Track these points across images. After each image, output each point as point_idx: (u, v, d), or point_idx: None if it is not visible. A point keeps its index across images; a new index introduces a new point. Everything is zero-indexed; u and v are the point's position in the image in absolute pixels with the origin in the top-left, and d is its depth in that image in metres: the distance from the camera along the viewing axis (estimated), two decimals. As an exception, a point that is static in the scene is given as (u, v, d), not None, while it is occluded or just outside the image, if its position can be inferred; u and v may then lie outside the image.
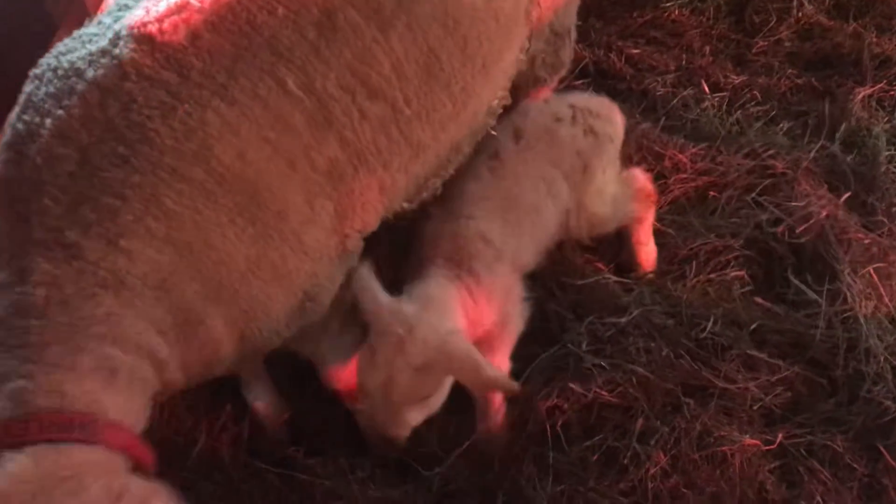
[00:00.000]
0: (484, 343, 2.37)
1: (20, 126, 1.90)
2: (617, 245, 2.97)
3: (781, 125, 3.46)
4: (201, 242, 1.87)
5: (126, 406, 1.85)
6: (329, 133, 1.99)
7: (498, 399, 2.45)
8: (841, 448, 2.44)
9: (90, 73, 1.85)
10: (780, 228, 2.99)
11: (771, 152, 3.25)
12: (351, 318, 2.32)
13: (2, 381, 1.74)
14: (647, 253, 2.92)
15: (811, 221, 2.95)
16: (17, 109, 1.95)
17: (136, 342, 1.86)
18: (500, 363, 2.42)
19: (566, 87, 3.57)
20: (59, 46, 2.01)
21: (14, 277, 1.80)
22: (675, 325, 2.62)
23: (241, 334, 2.03)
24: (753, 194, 3.12)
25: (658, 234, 2.98)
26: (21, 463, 1.64)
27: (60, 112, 1.84)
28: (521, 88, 2.77)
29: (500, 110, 2.58)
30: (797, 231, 2.96)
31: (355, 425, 2.42)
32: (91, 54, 1.89)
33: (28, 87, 1.97)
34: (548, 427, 2.38)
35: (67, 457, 1.69)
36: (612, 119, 2.80)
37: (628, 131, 2.96)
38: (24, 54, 2.19)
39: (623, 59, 3.76)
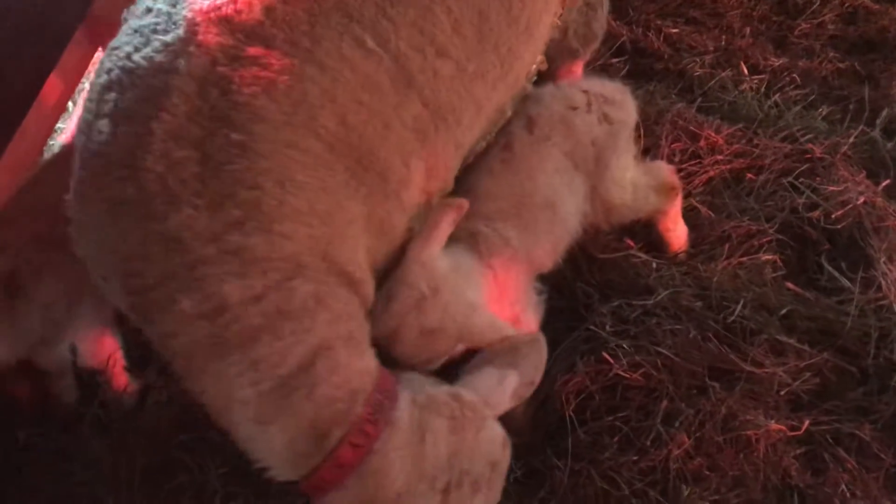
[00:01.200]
0: None
1: (116, 140, 1.80)
2: (649, 224, 2.92)
3: (821, 109, 3.39)
4: (336, 208, 1.89)
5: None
6: (411, 91, 2.01)
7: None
8: (868, 437, 2.42)
9: (181, 65, 1.79)
10: (815, 213, 2.95)
11: (809, 136, 3.20)
12: None
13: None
14: (677, 236, 2.88)
15: (848, 207, 2.90)
16: (100, 124, 1.83)
17: (354, 314, 1.91)
18: None
19: (602, 64, 3.54)
20: (118, 45, 1.91)
21: (208, 305, 1.76)
22: (703, 308, 2.60)
23: None
24: (790, 178, 3.07)
25: (691, 215, 2.95)
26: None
27: (163, 113, 1.76)
28: (554, 60, 2.76)
29: (536, 77, 2.60)
30: (833, 217, 2.91)
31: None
32: (168, 46, 1.82)
33: (107, 96, 1.85)
34: (568, 405, 2.38)
35: None
36: (626, 105, 2.72)
37: (663, 111, 2.93)
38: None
39: (661, 38, 3.71)
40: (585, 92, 2.67)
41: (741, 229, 2.92)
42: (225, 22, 1.83)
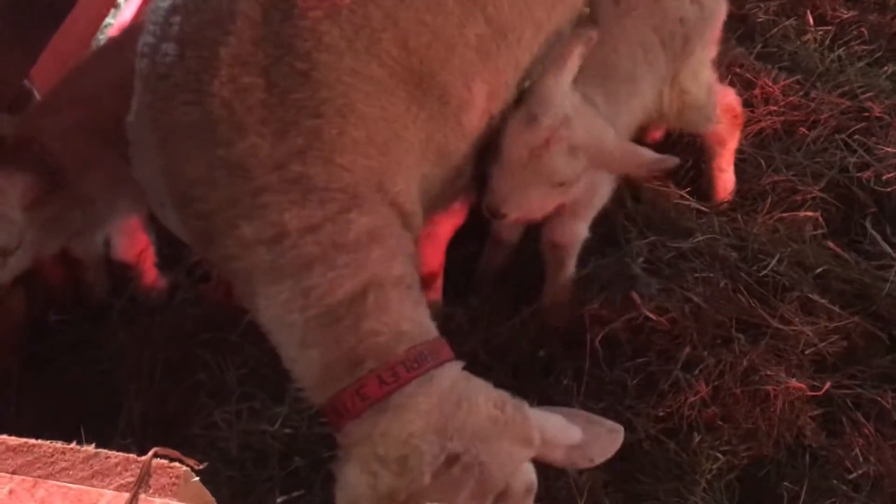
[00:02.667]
0: (568, 207, 2.34)
1: (183, 64, 1.77)
2: (696, 171, 2.89)
3: (886, 68, 3.27)
4: (394, 137, 1.87)
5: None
6: (475, 8, 1.96)
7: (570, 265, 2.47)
8: (890, 405, 2.39)
9: None
10: (866, 174, 2.87)
11: (870, 94, 3.10)
12: None
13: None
14: (726, 181, 2.83)
15: (901, 171, 2.81)
16: (165, 47, 1.81)
17: (405, 250, 1.89)
18: (580, 231, 2.42)
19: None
20: None
21: (268, 232, 1.77)
22: (738, 259, 2.57)
23: None
24: (844, 135, 2.99)
25: (737, 164, 2.88)
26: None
27: (230, 38, 1.74)
28: None
29: None
30: (884, 178, 2.84)
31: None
32: None
33: (172, 19, 1.82)
34: (588, 338, 2.38)
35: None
36: None
37: (721, 55, 2.83)
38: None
39: (728, -22, 3.57)
40: None
41: (787, 184, 2.85)
42: None
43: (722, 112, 2.70)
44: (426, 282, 2.21)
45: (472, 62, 1.98)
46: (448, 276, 2.52)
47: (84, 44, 3.08)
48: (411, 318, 1.84)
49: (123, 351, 2.59)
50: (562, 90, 2.14)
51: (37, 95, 2.74)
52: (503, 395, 1.83)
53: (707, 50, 2.61)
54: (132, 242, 2.75)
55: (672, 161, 2.22)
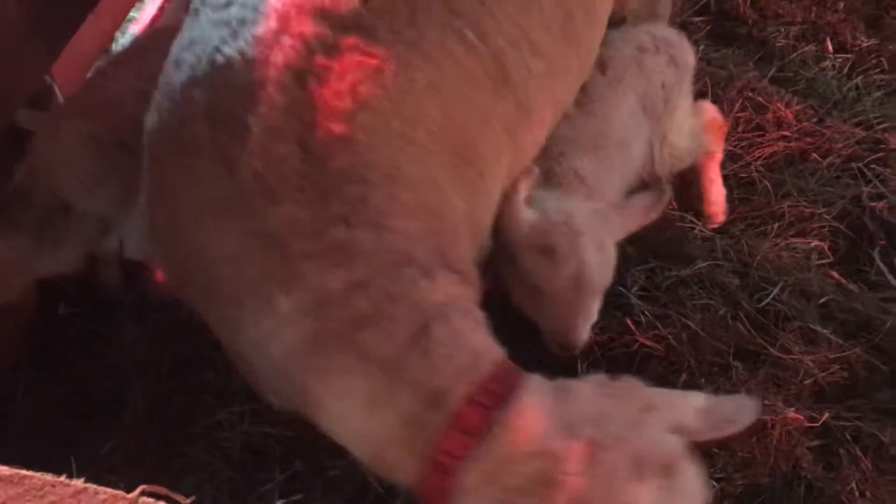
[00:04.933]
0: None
1: (211, 139, 1.67)
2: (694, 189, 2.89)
3: (903, 98, 3.26)
4: (445, 203, 1.82)
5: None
6: (506, 88, 1.96)
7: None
8: (888, 440, 2.37)
9: (276, 57, 1.67)
10: (878, 205, 2.86)
11: (885, 125, 3.09)
12: None
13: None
14: (718, 193, 2.85)
15: (914, 204, 2.80)
16: (188, 124, 1.71)
17: (461, 294, 1.75)
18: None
19: (682, 21, 3.44)
20: (199, 38, 1.78)
21: (310, 301, 1.61)
22: (739, 286, 2.56)
23: None
24: (858, 163, 2.98)
25: (747, 188, 2.90)
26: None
27: (260, 107, 1.65)
28: None
29: None
30: (896, 211, 2.83)
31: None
32: (257, 39, 1.71)
33: (193, 93, 1.73)
34: (584, 366, 2.38)
35: None
36: (686, 48, 2.73)
37: (734, 77, 2.85)
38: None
39: (748, 2, 3.57)
40: (650, 34, 2.67)
41: (796, 210, 2.85)
42: (320, 11, 1.72)
43: (707, 128, 2.76)
44: None
45: (503, 139, 1.98)
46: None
47: (106, 39, 3.12)
48: (482, 337, 1.71)
49: (131, 347, 2.63)
50: (557, 214, 2.15)
51: (58, 92, 2.79)
52: (599, 377, 1.69)
53: (687, 99, 2.68)
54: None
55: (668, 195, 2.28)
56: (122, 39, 3.45)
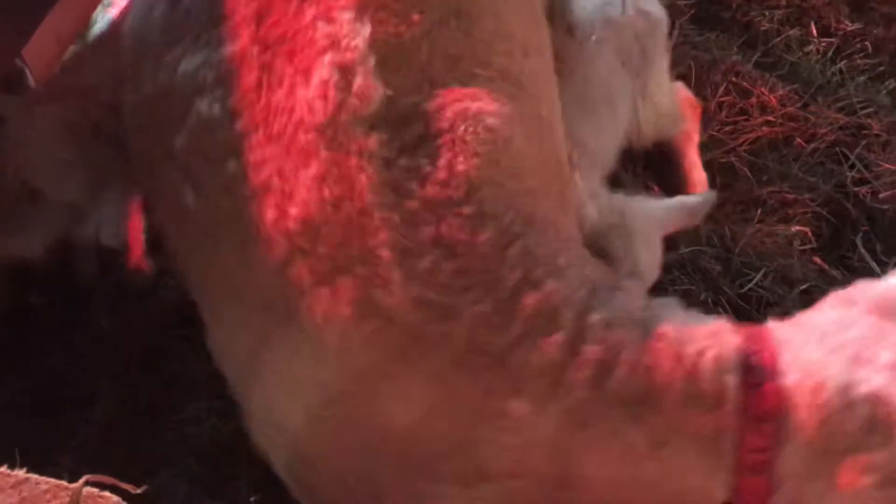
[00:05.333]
0: None
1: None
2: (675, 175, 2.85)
3: (888, 83, 3.22)
4: (566, 224, 1.80)
5: None
6: (524, 93, 1.80)
7: None
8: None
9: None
10: (861, 190, 2.85)
11: (869, 110, 3.06)
12: None
13: None
14: (699, 174, 2.81)
15: (896, 190, 2.78)
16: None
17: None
18: None
19: (666, 4, 3.39)
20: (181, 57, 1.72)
21: (543, 384, 1.43)
22: (721, 272, 2.55)
23: None
24: (842, 148, 2.96)
25: (728, 173, 2.87)
26: None
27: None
28: None
29: None
30: (880, 196, 2.81)
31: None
32: None
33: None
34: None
35: None
36: (655, 2, 2.68)
37: (717, 61, 2.83)
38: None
39: (734, -15, 3.54)
40: None
41: (779, 196, 2.82)
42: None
43: (682, 104, 2.75)
44: None
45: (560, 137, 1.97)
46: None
47: (81, 21, 3.05)
48: (688, 315, 1.58)
49: (101, 337, 2.58)
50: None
51: (30, 76, 2.73)
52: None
53: (665, 58, 2.65)
54: (121, 230, 2.74)
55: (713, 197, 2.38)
56: (100, 24, 3.38)
